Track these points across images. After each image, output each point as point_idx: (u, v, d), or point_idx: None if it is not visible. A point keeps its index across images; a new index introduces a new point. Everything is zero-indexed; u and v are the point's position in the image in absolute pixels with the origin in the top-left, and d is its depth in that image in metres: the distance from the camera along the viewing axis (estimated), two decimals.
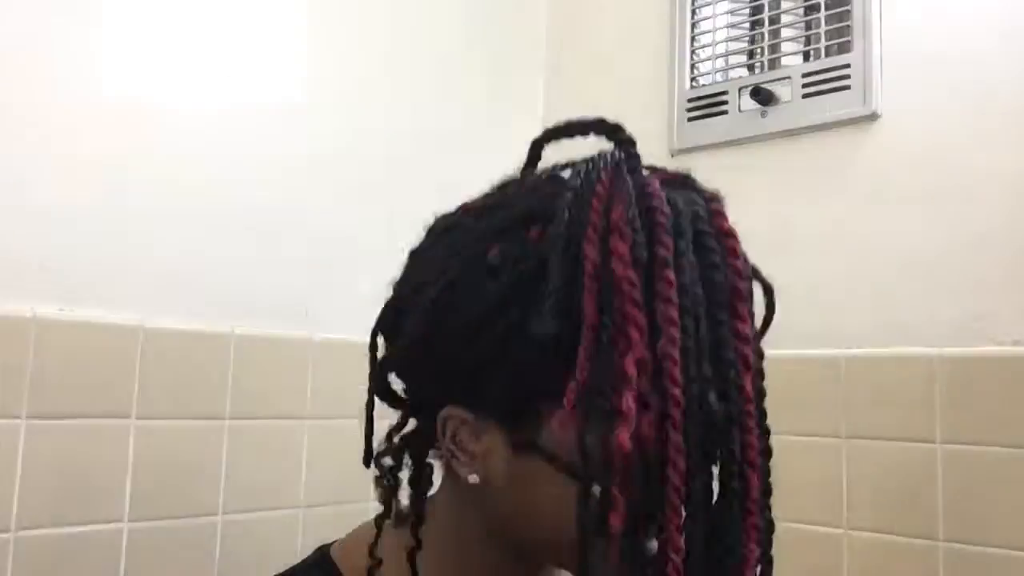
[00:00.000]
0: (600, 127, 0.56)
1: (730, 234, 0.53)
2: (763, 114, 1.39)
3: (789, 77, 1.38)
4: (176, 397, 1.09)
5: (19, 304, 0.97)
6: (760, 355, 0.53)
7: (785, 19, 1.43)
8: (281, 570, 0.64)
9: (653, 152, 0.68)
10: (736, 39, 1.48)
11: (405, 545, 0.59)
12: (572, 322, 0.49)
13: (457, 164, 1.41)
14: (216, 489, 1.12)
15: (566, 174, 0.56)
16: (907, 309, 1.22)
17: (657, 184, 0.53)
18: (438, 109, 1.46)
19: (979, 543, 1.10)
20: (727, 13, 1.48)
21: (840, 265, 1.29)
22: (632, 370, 0.47)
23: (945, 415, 1.15)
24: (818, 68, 1.35)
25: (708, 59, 1.49)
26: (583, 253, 0.49)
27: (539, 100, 1.66)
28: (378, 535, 0.60)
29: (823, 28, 1.36)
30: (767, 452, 0.52)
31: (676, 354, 0.47)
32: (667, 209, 0.51)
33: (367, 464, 0.63)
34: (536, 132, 0.61)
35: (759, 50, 1.44)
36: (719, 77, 1.47)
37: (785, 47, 1.43)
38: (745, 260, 0.54)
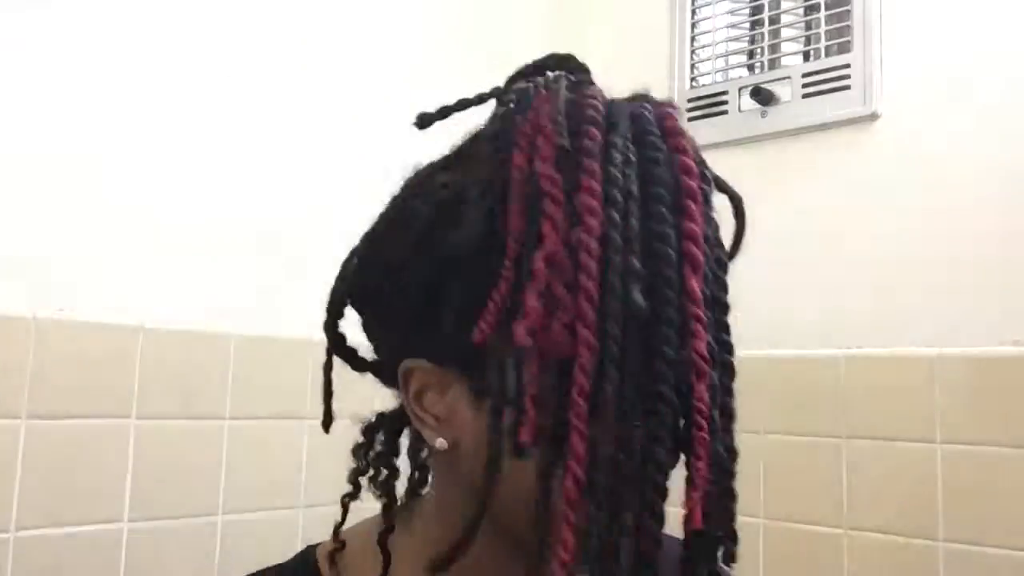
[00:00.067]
0: (552, 61, 0.54)
1: (678, 132, 0.49)
2: (763, 114, 1.39)
3: (789, 77, 1.38)
4: (176, 397, 1.09)
5: (19, 304, 0.97)
6: (721, 264, 0.48)
7: (785, 19, 1.43)
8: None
9: None
10: (736, 39, 1.48)
11: (380, 529, 0.55)
12: (500, 235, 0.45)
13: None
14: (216, 489, 1.12)
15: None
16: (907, 309, 1.22)
17: (597, 89, 0.49)
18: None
19: (979, 543, 1.10)
20: (727, 13, 1.49)
21: (840, 265, 1.29)
22: (539, 265, 0.42)
23: (945, 415, 1.15)
24: (818, 68, 1.35)
25: (708, 59, 1.49)
26: (512, 162, 0.46)
27: None
28: (388, 529, 0.56)
29: (823, 28, 1.36)
30: (727, 367, 0.46)
31: (593, 244, 0.42)
32: (600, 105, 0.47)
33: (326, 428, 0.60)
34: None
35: (759, 50, 1.44)
36: (719, 77, 1.47)
37: (785, 47, 1.43)
38: (700, 162, 0.50)
